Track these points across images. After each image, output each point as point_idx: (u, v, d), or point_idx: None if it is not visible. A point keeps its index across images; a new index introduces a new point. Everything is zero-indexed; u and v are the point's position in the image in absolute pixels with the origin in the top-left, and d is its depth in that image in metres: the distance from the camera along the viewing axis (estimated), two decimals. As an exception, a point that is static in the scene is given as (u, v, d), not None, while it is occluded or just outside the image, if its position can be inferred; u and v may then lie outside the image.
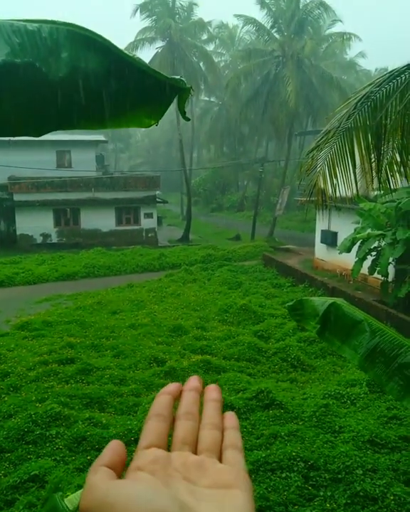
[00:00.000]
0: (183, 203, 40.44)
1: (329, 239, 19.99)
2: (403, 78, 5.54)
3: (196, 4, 32.87)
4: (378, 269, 13.72)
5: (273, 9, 29.12)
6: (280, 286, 17.97)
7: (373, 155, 5.75)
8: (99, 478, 0.50)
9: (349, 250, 14.14)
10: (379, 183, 5.89)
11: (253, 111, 33.01)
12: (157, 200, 28.93)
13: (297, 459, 6.60)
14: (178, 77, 1.46)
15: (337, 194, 6.27)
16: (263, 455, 6.67)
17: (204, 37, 35.83)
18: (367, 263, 14.01)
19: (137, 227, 28.30)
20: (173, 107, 1.56)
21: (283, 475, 6.36)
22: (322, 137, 6.12)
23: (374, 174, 5.80)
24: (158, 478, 0.50)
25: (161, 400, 0.60)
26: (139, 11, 29.74)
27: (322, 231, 20.82)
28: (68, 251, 25.17)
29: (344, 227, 17.02)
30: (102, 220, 27.34)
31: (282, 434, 7.29)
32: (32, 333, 12.65)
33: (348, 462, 6.50)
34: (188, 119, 1.58)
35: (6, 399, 8.58)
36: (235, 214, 43.07)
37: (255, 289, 17.37)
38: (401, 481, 6.29)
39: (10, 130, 1.53)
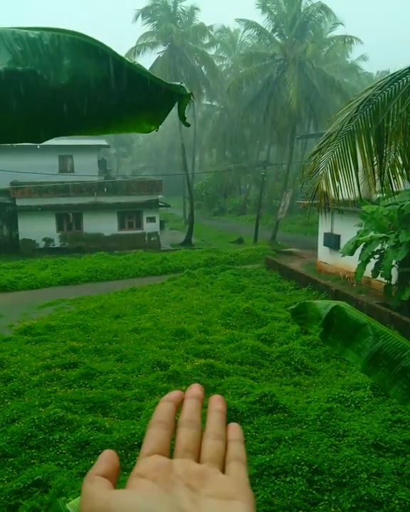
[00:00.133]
0: (185, 207, 40.52)
1: (332, 242, 19.97)
2: (405, 81, 5.55)
3: (197, 9, 33.06)
4: (381, 271, 13.69)
5: (275, 13, 29.24)
6: (283, 289, 17.94)
7: (375, 158, 5.75)
8: (96, 487, 0.49)
9: (352, 253, 14.12)
10: (382, 185, 5.89)
11: (254, 114, 33.10)
12: (160, 204, 28.98)
13: (302, 463, 6.58)
14: (178, 83, 1.48)
15: (340, 197, 6.27)
16: (267, 459, 6.65)
17: (206, 41, 36.00)
18: (370, 266, 13.99)
19: (139, 231, 28.34)
20: (175, 110, 1.57)
21: (287, 479, 6.34)
22: (324, 140, 6.12)
23: (377, 177, 5.80)
24: (160, 485, 0.49)
25: (163, 407, 0.59)
26: (140, 16, 29.87)
27: (325, 234, 20.80)
28: (71, 255, 25.20)
29: (347, 230, 17.00)
30: (104, 225, 27.38)
31: (286, 437, 7.27)
32: (35, 337, 12.66)
33: (352, 466, 6.47)
34: (188, 125, 1.59)
35: (9, 403, 8.58)
36: (237, 217, 43.10)
37: (258, 292, 17.35)
38: (406, 485, 6.26)
39: (12, 137, 1.54)
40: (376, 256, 13.97)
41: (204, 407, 0.62)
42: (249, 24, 30.27)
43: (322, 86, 29.79)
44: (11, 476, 6.60)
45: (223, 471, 0.55)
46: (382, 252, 13.80)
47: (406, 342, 3.67)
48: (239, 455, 0.57)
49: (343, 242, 16.83)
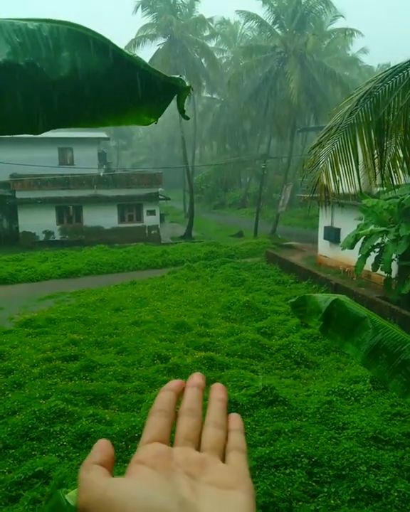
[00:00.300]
0: (185, 200, 40.45)
1: (332, 235, 19.96)
2: (406, 74, 5.52)
3: (197, 0, 32.82)
4: (381, 265, 13.69)
5: (275, 5, 29.05)
6: (283, 282, 17.95)
7: (376, 151, 5.73)
8: (94, 475, 0.49)
9: (352, 247, 14.11)
10: (382, 179, 5.88)
11: (255, 107, 32.96)
12: (160, 197, 28.93)
13: (301, 456, 6.62)
14: (177, 76, 1.47)
15: (340, 190, 6.25)
16: (267, 451, 6.68)
17: (206, 33, 35.80)
18: (370, 260, 13.99)
19: (139, 224, 28.32)
20: (175, 103, 1.56)
21: (287, 471, 6.37)
22: (325, 134, 6.10)
23: (377, 170, 5.78)
24: (159, 472, 0.49)
25: (164, 396, 0.59)
26: (140, 7, 29.68)
27: (325, 228, 20.79)
28: (71, 248, 25.19)
29: (347, 224, 16.98)
30: (104, 218, 27.35)
31: (286, 430, 7.31)
32: (35, 330, 12.68)
33: (352, 458, 6.51)
34: (187, 118, 1.59)
35: (10, 396, 8.61)
36: (237, 211, 43.05)
37: (258, 285, 17.37)
38: (405, 477, 6.29)
39: (11, 128, 1.54)
40: (377, 250, 13.97)
41: (204, 399, 0.62)
42: (249, 16, 30.09)
43: (322, 79, 29.67)
44: (12, 467, 6.64)
45: (223, 460, 0.55)
46: (382, 245, 13.80)
47: (405, 335, 3.68)
48: (240, 445, 0.57)
49: (343, 236, 16.82)
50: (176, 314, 13.98)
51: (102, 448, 0.54)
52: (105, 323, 13.17)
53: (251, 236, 28.36)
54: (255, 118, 36.08)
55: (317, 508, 5.80)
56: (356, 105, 5.69)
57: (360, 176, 6.00)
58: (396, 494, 5.87)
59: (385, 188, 10.99)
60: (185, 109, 1.55)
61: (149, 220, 28.41)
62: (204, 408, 0.61)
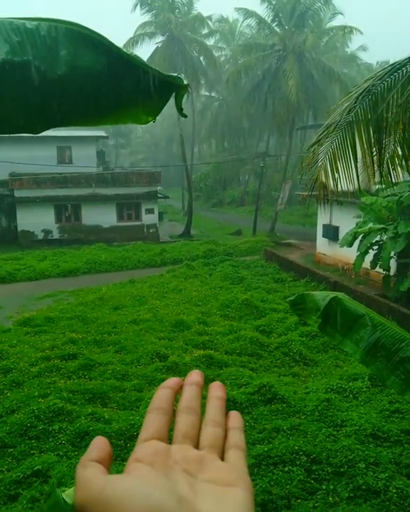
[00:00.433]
0: (184, 199, 40.41)
1: (331, 233, 19.97)
2: (405, 71, 5.52)
3: (196, -2, 32.74)
4: (380, 263, 13.70)
5: (273, 2, 28.97)
6: (282, 280, 17.97)
7: (374, 149, 5.73)
8: (91, 472, 0.49)
9: (350, 244, 14.12)
10: (381, 176, 5.88)
11: (253, 105, 32.90)
12: (158, 195, 28.91)
13: (300, 453, 6.63)
14: (175, 74, 1.48)
15: (339, 188, 6.25)
16: (266, 449, 6.70)
17: (204, 31, 35.69)
18: (369, 257, 14.00)
19: (138, 222, 28.30)
20: (173, 101, 1.56)
21: (286, 469, 6.39)
22: (324, 131, 6.10)
23: (376, 168, 5.78)
24: (157, 469, 0.49)
25: (162, 393, 0.59)
26: (138, 5, 29.59)
27: (324, 225, 20.80)
28: (70, 247, 25.19)
29: (346, 222, 16.99)
30: (103, 216, 27.33)
31: (285, 428, 7.32)
32: (34, 329, 12.68)
33: (350, 456, 6.52)
34: (185, 116, 1.59)
35: (8, 394, 8.61)
36: (236, 209, 43.05)
37: (257, 283, 17.38)
38: (403, 474, 6.32)
39: (10, 127, 1.54)
40: (375, 247, 13.98)
41: (203, 397, 0.62)
42: (248, 13, 30.01)
43: (321, 76, 29.61)
44: (10, 466, 6.64)
45: (222, 458, 0.55)
46: (381, 243, 13.81)
47: (404, 333, 3.69)
48: (239, 443, 0.57)
49: (342, 234, 16.82)
50: (175, 313, 13.99)
51: (98, 445, 0.54)
52: (104, 321, 13.16)
53: (250, 234, 28.36)
54: (254, 116, 36.04)
55: (316, 505, 5.81)
56: (355, 103, 5.68)
57: (359, 173, 6.00)
58: (394, 491, 5.89)
59: (384, 186, 11.00)
60: (183, 107, 1.55)
61: (147, 219, 28.39)
62: (203, 406, 0.60)
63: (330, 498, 5.90)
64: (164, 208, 38.57)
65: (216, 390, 0.62)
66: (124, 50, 1.45)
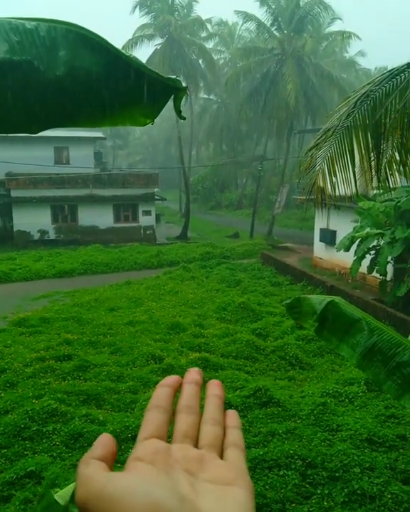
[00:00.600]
0: (181, 201, 40.44)
1: (328, 237, 19.99)
2: (403, 77, 5.53)
3: (196, 1, 32.80)
4: (377, 267, 13.73)
5: (273, 7, 29.06)
6: (279, 284, 17.97)
7: (372, 154, 5.74)
8: (92, 470, 0.49)
9: (347, 249, 14.15)
10: (378, 181, 5.89)
11: (252, 109, 32.97)
12: (156, 197, 28.91)
13: (295, 457, 6.61)
14: (174, 76, 1.48)
15: (336, 193, 6.26)
16: (261, 453, 6.68)
17: (203, 34, 35.76)
18: (366, 262, 14.02)
19: (135, 224, 28.28)
20: (171, 103, 1.56)
21: (281, 473, 6.37)
22: (322, 136, 6.11)
23: (374, 173, 5.79)
24: (158, 468, 0.49)
25: (161, 392, 0.59)
26: (138, 7, 29.63)
27: (321, 230, 20.82)
28: (66, 248, 25.14)
29: (343, 226, 17.02)
30: (100, 217, 27.30)
31: (280, 432, 7.30)
32: (29, 329, 12.64)
33: (346, 460, 6.51)
34: (183, 118, 1.59)
35: (2, 395, 8.57)
36: (233, 212, 43.09)
37: (254, 287, 17.38)
38: (398, 479, 6.30)
39: (7, 127, 1.53)
40: (372, 252, 14.01)
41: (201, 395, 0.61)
42: (248, 17, 30.09)
43: (319, 81, 29.72)
44: (4, 467, 6.61)
45: (221, 456, 0.55)
46: (378, 248, 13.83)
47: (400, 337, 3.68)
48: (237, 442, 0.57)
49: (339, 238, 16.86)
50: (171, 315, 13.97)
51: (103, 443, 0.53)
52: (99, 323, 13.14)
53: (247, 237, 28.39)
54: (252, 119, 36.12)
55: (311, 509, 5.79)
56: (354, 108, 5.70)
57: (356, 178, 6.01)
58: (389, 496, 5.88)
59: (381, 191, 11.02)
60: (182, 109, 1.55)
61: (144, 220, 28.38)
62: (201, 404, 0.60)
63: (325, 503, 5.89)
64: (161, 210, 38.60)
65: (214, 388, 0.63)
66: (123, 51, 1.45)
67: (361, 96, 5.69)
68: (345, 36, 35.33)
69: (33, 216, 26.03)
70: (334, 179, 6.02)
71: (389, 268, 13.75)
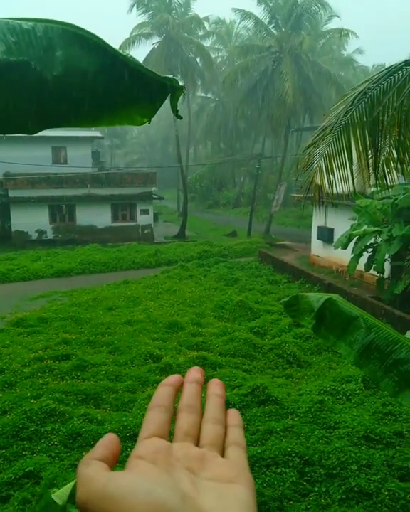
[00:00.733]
0: (179, 200, 40.42)
1: (326, 235, 20.01)
2: (401, 74, 5.54)
3: (193, -1, 32.77)
4: (374, 265, 13.75)
5: (271, 5, 29.04)
6: (277, 282, 17.98)
7: (370, 151, 5.75)
8: (93, 470, 0.49)
9: (345, 247, 14.16)
10: (376, 179, 5.90)
11: (249, 107, 32.97)
12: (153, 196, 28.89)
13: (293, 455, 6.63)
14: (171, 76, 1.48)
15: (334, 191, 6.26)
16: (259, 451, 6.69)
17: (201, 33, 35.72)
18: (363, 260, 14.04)
19: (133, 223, 28.26)
20: (169, 102, 1.56)
21: (278, 470, 6.38)
22: (319, 133, 6.11)
23: (371, 171, 5.80)
24: (159, 467, 0.49)
25: (163, 391, 0.59)
26: (135, 6, 29.58)
27: (319, 227, 20.84)
28: (64, 247, 25.12)
29: (341, 224, 17.04)
30: (97, 217, 27.28)
31: (278, 429, 7.32)
32: (27, 329, 12.63)
33: (343, 458, 6.53)
34: (180, 118, 1.60)
35: (0, 395, 8.57)
36: (231, 210, 43.07)
37: (252, 285, 17.39)
38: (395, 476, 6.33)
39: (4, 128, 1.53)
40: (370, 250, 14.02)
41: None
42: (245, 14, 30.07)
43: (317, 79, 29.71)
44: (2, 467, 6.61)
45: (222, 455, 0.55)
46: (375, 245, 13.85)
47: (397, 335, 3.69)
48: (239, 440, 0.57)
49: (336, 236, 16.87)
50: (169, 314, 13.97)
51: (105, 444, 0.54)
52: (97, 322, 13.13)
53: (245, 236, 28.39)
54: (250, 117, 36.11)
55: (308, 507, 5.81)
56: (351, 105, 5.70)
57: (354, 176, 6.02)
58: (386, 493, 5.90)
59: (379, 189, 11.04)
60: (179, 108, 1.56)
61: (142, 219, 28.36)
62: (202, 403, 0.60)
63: (322, 500, 5.90)
64: (159, 209, 38.57)
65: (215, 387, 0.63)
66: (120, 51, 1.46)
67: (359, 94, 5.69)
68: (343, 34, 35.30)
69: (31, 216, 26.00)
70: (331, 177, 6.02)
71: (387, 266, 13.77)
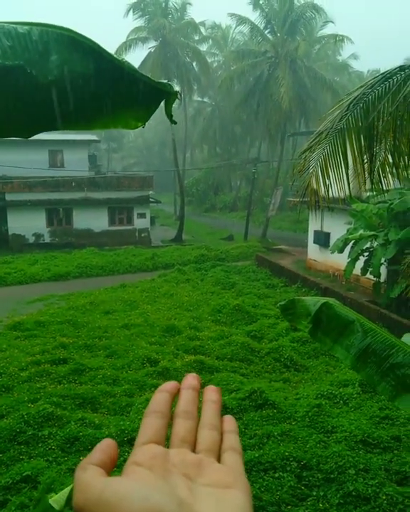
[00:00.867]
0: (176, 203, 40.40)
1: (322, 239, 20.05)
2: (395, 80, 5.57)
3: (189, 3, 32.86)
4: (370, 269, 13.78)
5: (266, 10, 29.17)
6: (273, 286, 18.00)
7: (365, 156, 5.77)
8: (89, 475, 0.49)
9: (341, 251, 14.19)
10: (372, 184, 5.92)
11: (245, 111, 33.05)
12: (150, 200, 28.89)
13: (290, 459, 6.62)
14: (165, 81, 1.50)
15: (330, 195, 6.29)
16: (256, 455, 6.68)
17: (197, 37, 35.80)
18: (360, 264, 14.07)
19: (129, 227, 28.25)
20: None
21: (276, 475, 6.38)
22: (315, 138, 6.13)
23: (367, 175, 5.82)
24: (156, 473, 0.49)
25: (160, 397, 0.59)
26: (131, 10, 29.65)
27: (315, 232, 20.88)
28: (61, 251, 25.08)
29: (337, 228, 17.08)
30: (94, 220, 27.26)
31: (275, 434, 7.31)
32: (24, 333, 12.60)
33: (341, 462, 6.52)
34: (175, 123, 1.62)
35: (-3, 400, 8.54)
36: (228, 214, 43.10)
37: (249, 289, 17.39)
38: (393, 480, 6.32)
39: (1, 132, 1.54)
40: (366, 254, 14.06)
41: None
42: (241, 20, 30.16)
43: (312, 84, 29.81)
44: (-1, 472, 6.58)
45: (219, 461, 0.55)
46: (371, 250, 13.89)
47: (394, 339, 3.70)
48: (235, 445, 0.57)
49: (333, 240, 16.90)
50: (166, 317, 13.96)
51: (103, 449, 0.54)
52: (95, 326, 13.11)
53: (242, 239, 28.42)
54: (246, 122, 36.21)
55: (306, 511, 5.80)
56: (347, 111, 5.72)
57: (350, 180, 6.04)
58: (384, 497, 5.89)
59: (374, 193, 11.08)
60: (175, 113, 1.57)
61: (139, 223, 28.35)
62: (199, 409, 0.61)
63: (320, 505, 5.89)
64: (155, 213, 38.57)
65: (211, 394, 0.63)
66: (115, 56, 1.47)
67: (354, 99, 5.71)
68: (338, 39, 35.44)
69: (28, 219, 25.97)
70: (327, 181, 6.04)
71: (383, 270, 13.80)
